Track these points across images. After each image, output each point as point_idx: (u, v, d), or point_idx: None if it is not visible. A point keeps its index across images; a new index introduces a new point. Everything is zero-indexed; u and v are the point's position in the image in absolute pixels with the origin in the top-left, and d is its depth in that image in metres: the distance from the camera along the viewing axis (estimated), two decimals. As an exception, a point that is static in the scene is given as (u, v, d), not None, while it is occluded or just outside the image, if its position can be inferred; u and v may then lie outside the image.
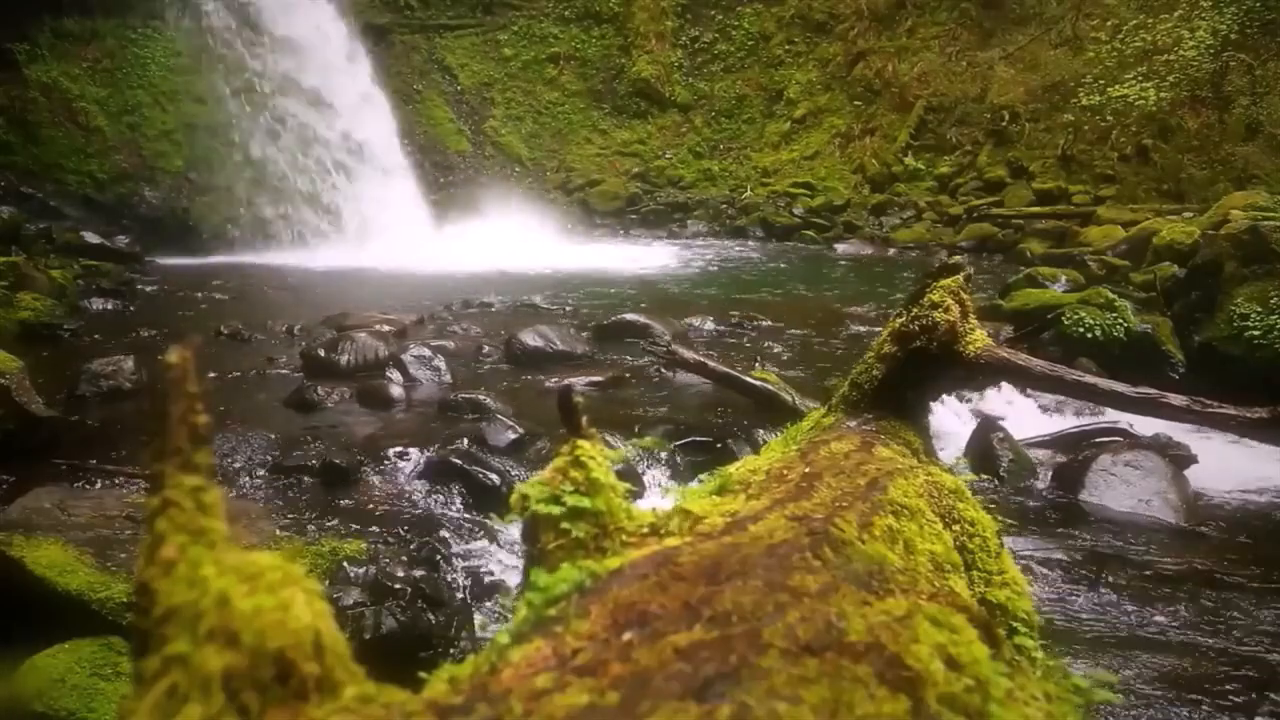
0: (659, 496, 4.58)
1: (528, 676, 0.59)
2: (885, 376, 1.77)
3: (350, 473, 4.52)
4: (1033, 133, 16.71)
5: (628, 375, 6.49)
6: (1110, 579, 4.14)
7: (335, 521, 4.07)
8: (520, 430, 5.03)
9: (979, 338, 1.79)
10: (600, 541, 0.87)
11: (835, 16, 19.89)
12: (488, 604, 3.70)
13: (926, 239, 15.62)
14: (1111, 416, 5.60)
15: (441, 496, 4.47)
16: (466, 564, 3.92)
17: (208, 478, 0.58)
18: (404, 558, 3.70)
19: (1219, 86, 14.74)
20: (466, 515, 4.35)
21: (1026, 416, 5.97)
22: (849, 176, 18.01)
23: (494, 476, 4.52)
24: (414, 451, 4.79)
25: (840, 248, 15.80)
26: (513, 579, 3.85)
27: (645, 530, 0.91)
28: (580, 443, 0.92)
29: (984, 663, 0.68)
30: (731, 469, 1.32)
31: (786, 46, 20.20)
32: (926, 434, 1.80)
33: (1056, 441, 5.75)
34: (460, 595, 3.70)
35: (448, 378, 6.30)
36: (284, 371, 6.52)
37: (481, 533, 4.18)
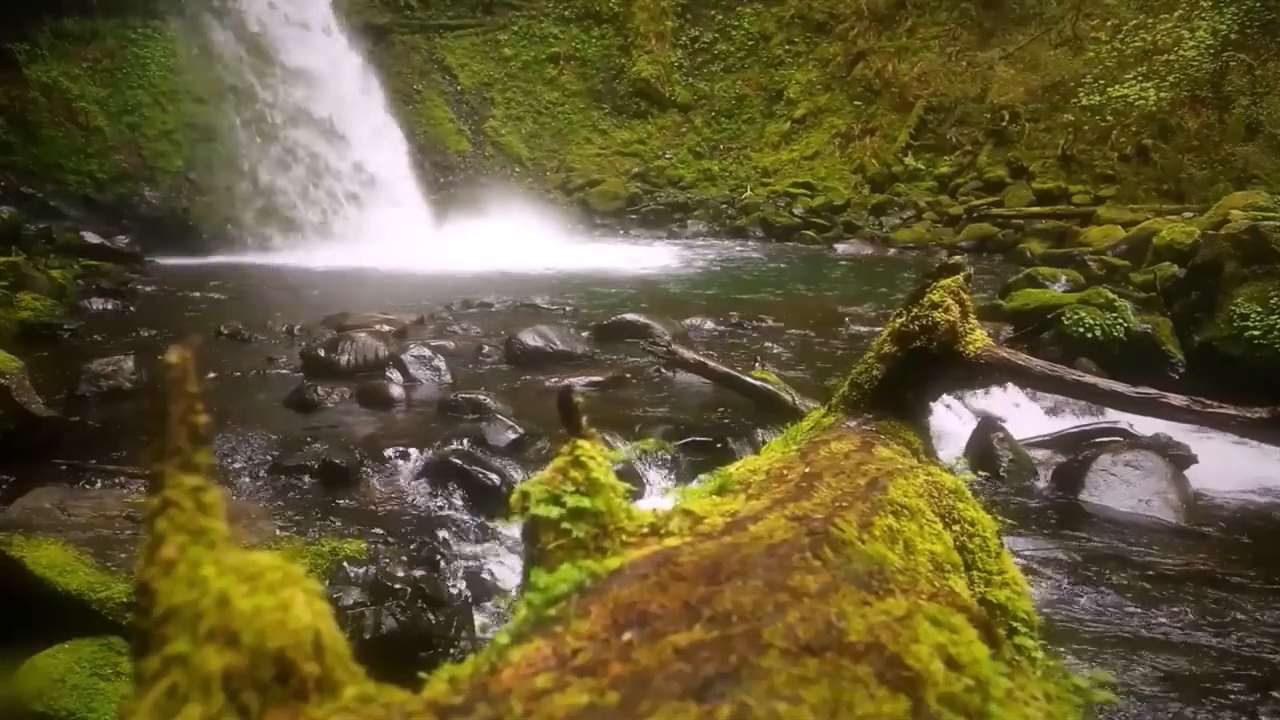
0: (659, 496, 4.58)
1: (528, 676, 0.59)
2: (885, 376, 1.77)
3: (350, 473, 4.52)
4: (1033, 133, 16.71)
5: (628, 375, 6.49)
6: (1110, 579, 4.14)
7: (335, 521, 4.07)
8: (520, 430, 5.03)
9: (979, 338, 1.79)
10: (600, 541, 0.87)
11: (835, 16, 19.89)
12: (488, 604, 3.70)
13: (926, 239, 15.62)
14: (1111, 416, 5.60)
15: (441, 496, 4.47)
16: (466, 564, 3.92)
17: (208, 478, 0.58)
18: (404, 558, 3.70)
19: (1219, 86, 14.75)
20: (466, 515, 4.35)
21: (1026, 416, 5.97)
22: (849, 176, 18.01)
23: (494, 476, 4.52)
24: (414, 451, 4.79)
25: (840, 248, 15.80)
26: (513, 579, 3.85)
27: (645, 530, 0.91)
28: (580, 443, 0.92)
29: (984, 663, 0.68)
30: (731, 469, 1.32)
31: (786, 46, 20.21)
32: (926, 434, 1.80)
33: (1056, 441, 5.75)
34: (460, 595, 3.70)
35: (448, 378, 6.30)
36: (284, 371, 6.52)
37: (481, 533, 4.18)
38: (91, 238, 11.38)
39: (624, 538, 0.88)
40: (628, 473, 4.53)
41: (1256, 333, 6.44)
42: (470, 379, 6.38)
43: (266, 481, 4.50)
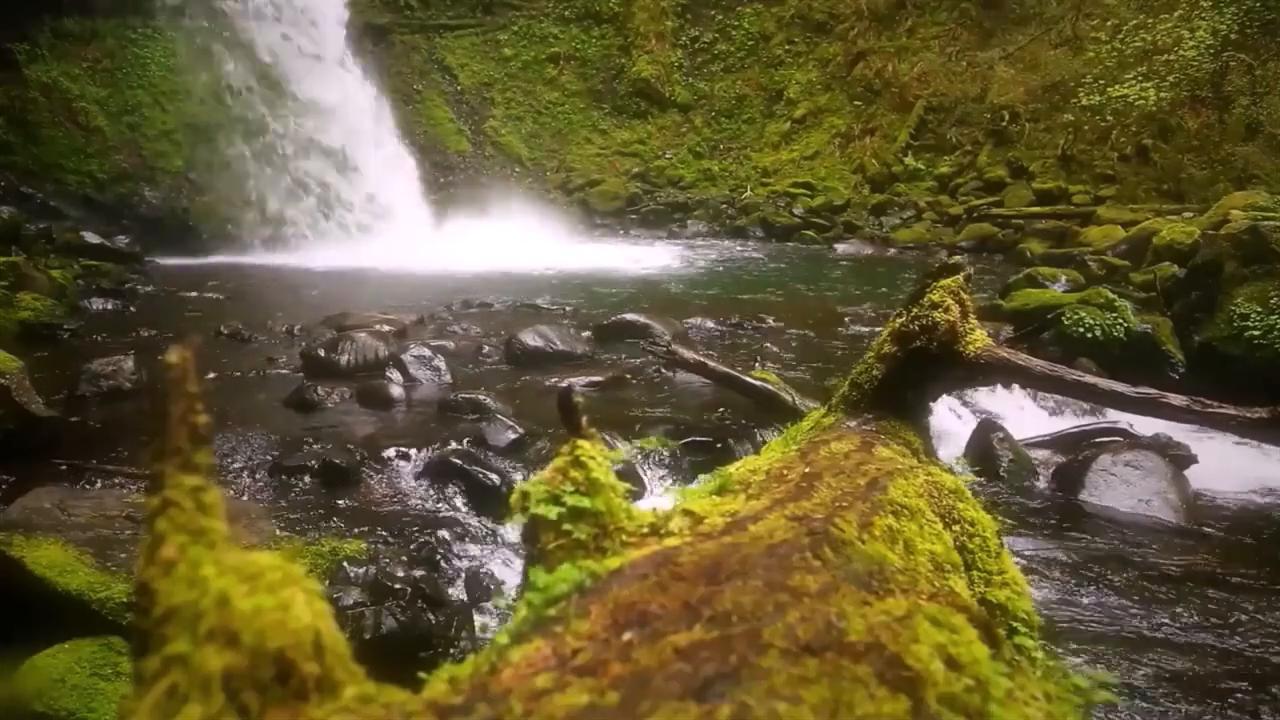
0: (659, 496, 4.58)
1: (528, 676, 0.59)
2: (885, 376, 1.77)
3: (350, 473, 4.52)
4: (1033, 133, 16.71)
5: (628, 375, 6.49)
6: (1110, 579, 4.14)
7: (335, 521, 4.07)
8: (520, 430, 5.03)
9: (979, 338, 1.79)
10: (600, 541, 0.87)
11: (835, 16, 19.89)
12: (488, 604, 3.70)
13: (926, 239, 15.62)
14: (1111, 416, 5.60)
15: (441, 496, 4.47)
16: (466, 564, 3.92)
17: (208, 478, 0.58)
18: (404, 558, 3.70)
19: (1219, 86, 14.75)
20: (466, 515, 4.35)
21: (1026, 416, 5.97)
22: (849, 176, 18.01)
23: (494, 476, 4.53)
24: (414, 451, 4.79)
25: (840, 248, 15.80)
26: (513, 579, 3.85)
27: (645, 530, 0.91)
28: (580, 443, 0.92)
29: (984, 663, 0.68)
30: (731, 469, 1.32)
31: (786, 46, 20.21)
32: (926, 434, 1.80)
33: (1056, 441, 5.75)
34: (460, 595, 3.70)
35: (448, 378, 6.30)
36: (284, 371, 6.52)
37: (481, 533, 4.18)
38: (91, 238, 11.38)
39: (624, 538, 0.88)
40: (628, 473, 4.53)
41: (1256, 333, 6.44)
42: (470, 379, 6.38)
43: (266, 481, 4.50)
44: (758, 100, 20.13)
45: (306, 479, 4.49)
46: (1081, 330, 6.84)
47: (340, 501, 4.33)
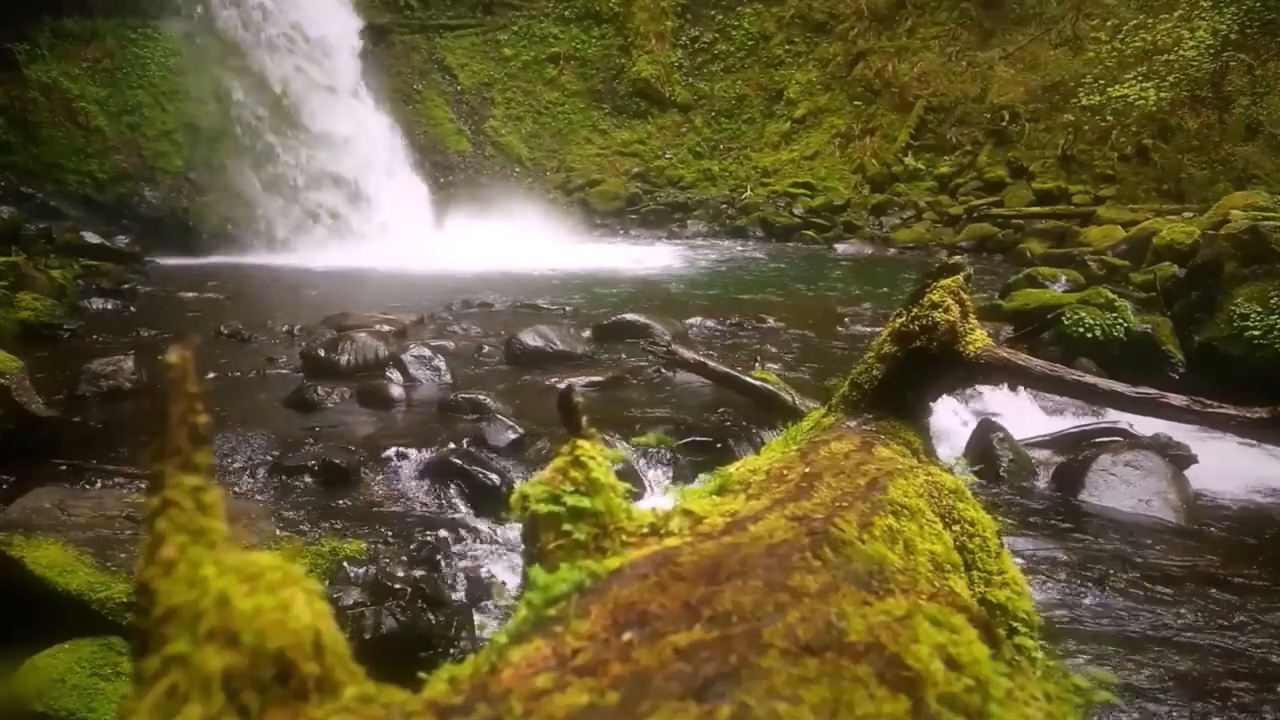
0: (659, 496, 4.58)
1: (528, 676, 0.59)
2: (885, 376, 1.77)
3: (350, 473, 4.52)
4: (1033, 133, 16.71)
5: (628, 375, 6.49)
6: (1110, 579, 4.14)
7: (335, 521, 4.07)
8: (520, 430, 5.03)
9: (979, 338, 1.79)
10: (600, 541, 0.87)
11: (835, 16, 19.89)
12: (488, 604, 3.70)
13: (926, 239, 15.62)
14: (1111, 416, 5.60)
15: (441, 496, 4.47)
16: (466, 564, 3.92)
17: (208, 478, 0.58)
18: (404, 558, 3.70)
19: (1219, 86, 14.75)
20: (466, 515, 4.35)
21: (1026, 416, 5.97)
22: (849, 176, 18.01)
23: (494, 476, 4.52)
24: (414, 451, 4.79)
25: (840, 248, 15.80)
26: (513, 579, 3.85)
27: (645, 530, 0.91)
28: (580, 443, 0.92)
29: (984, 663, 0.68)
30: (731, 469, 1.32)
31: (786, 46, 20.21)
32: (926, 434, 1.80)
33: (1056, 441, 5.75)
34: (460, 595, 3.70)
35: (448, 378, 6.30)
36: (284, 371, 6.52)
37: (481, 533, 4.18)
38: (91, 238, 11.38)
39: (624, 538, 0.88)
40: (628, 473, 4.53)
41: (1256, 333, 6.44)
42: (470, 379, 6.38)
43: (266, 481, 4.50)
44: (758, 100, 20.14)
45: (306, 479, 4.49)
46: (1081, 330, 6.84)
47: (340, 501, 4.33)
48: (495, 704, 0.56)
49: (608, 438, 4.18)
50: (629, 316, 7.93)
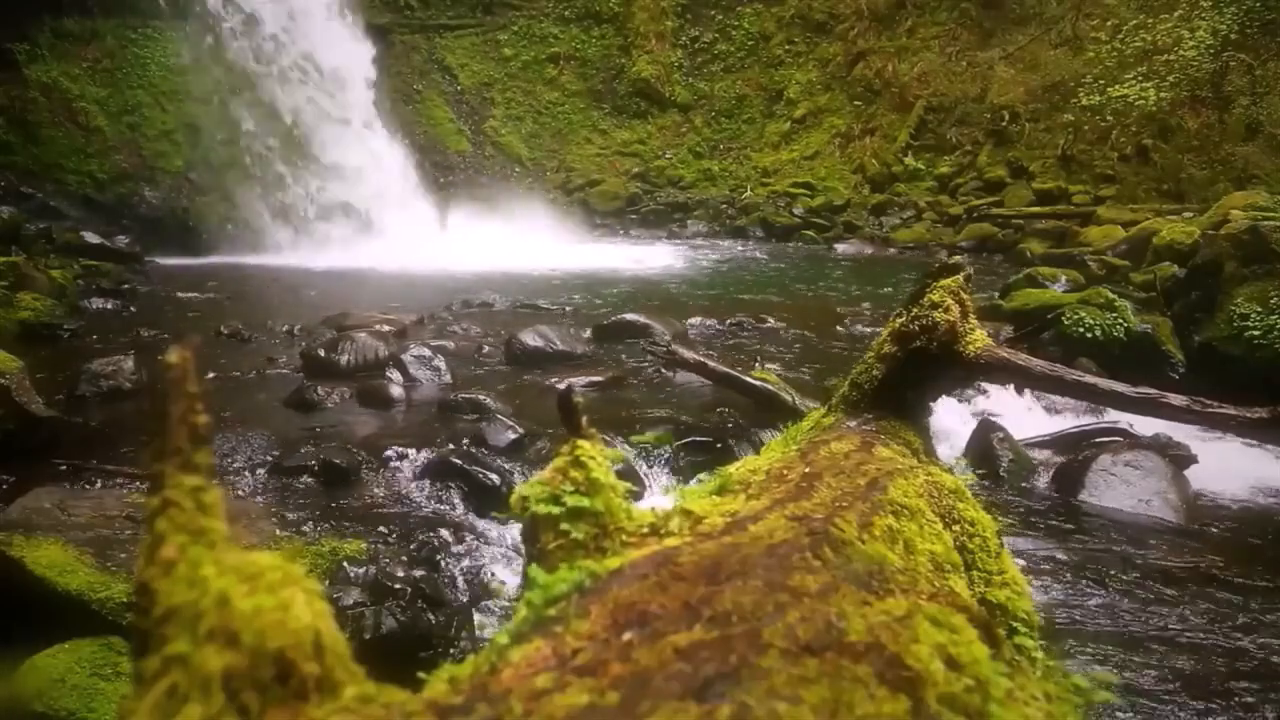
0: (659, 496, 4.58)
1: (528, 676, 0.59)
2: (885, 376, 1.77)
3: (350, 473, 4.52)
4: (1033, 133, 16.72)
5: (628, 375, 6.49)
6: (1110, 579, 4.14)
7: (335, 521, 4.07)
8: (520, 430, 5.03)
9: (979, 338, 1.79)
10: (600, 541, 0.87)
11: (835, 16, 19.90)
12: (488, 604, 3.70)
13: (926, 239, 15.62)
14: (1111, 416, 5.60)
15: (441, 496, 4.47)
16: (466, 564, 3.92)
17: (208, 478, 0.58)
18: (404, 558, 3.70)
19: (1219, 86, 14.75)
20: (466, 515, 4.35)
21: (1026, 416, 5.97)
22: (849, 176, 18.02)
23: (494, 476, 4.52)
24: (414, 451, 4.79)
25: (840, 248, 15.81)
26: (513, 579, 3.85)
27: (645, 530, 0.91)
28: (580, 443, 0.92)
29: (984, 663, 0.68)
30: (731, 469, 1.32)
31: (786, 46, 20.21)
32: (926, 434, 1.80)
33: (1056, 441, 5.74)
34: (460, 595, 3.70)
35: (448, 378, 6.30)
36: (284, 371, 6.52)
37: (481, 533, 4.18)
38: (91, 238, 11.38)
39: (624, 538, 0.88)
40: (628, 473, 4.53)
41: (1256, 333, 6.44)
42: (470, 379, 6.38)
43: (266, 481, 4.50)
44: (758, 100, 20.14)
45: (306, 479, 4.49)
46: (1081, 330, 6.84)
47: (340, 501, 4.32)
48: (495, 704, 0.56)
49: (607, 438, 4.18)
50: (629, 316, 7.93)
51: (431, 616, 3.42)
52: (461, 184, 18.05)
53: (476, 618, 3.60)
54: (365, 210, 14.50)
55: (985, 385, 5.56)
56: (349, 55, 15.26)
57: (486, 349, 7.25)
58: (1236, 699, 3.27)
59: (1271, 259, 6.62)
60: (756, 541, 0.84)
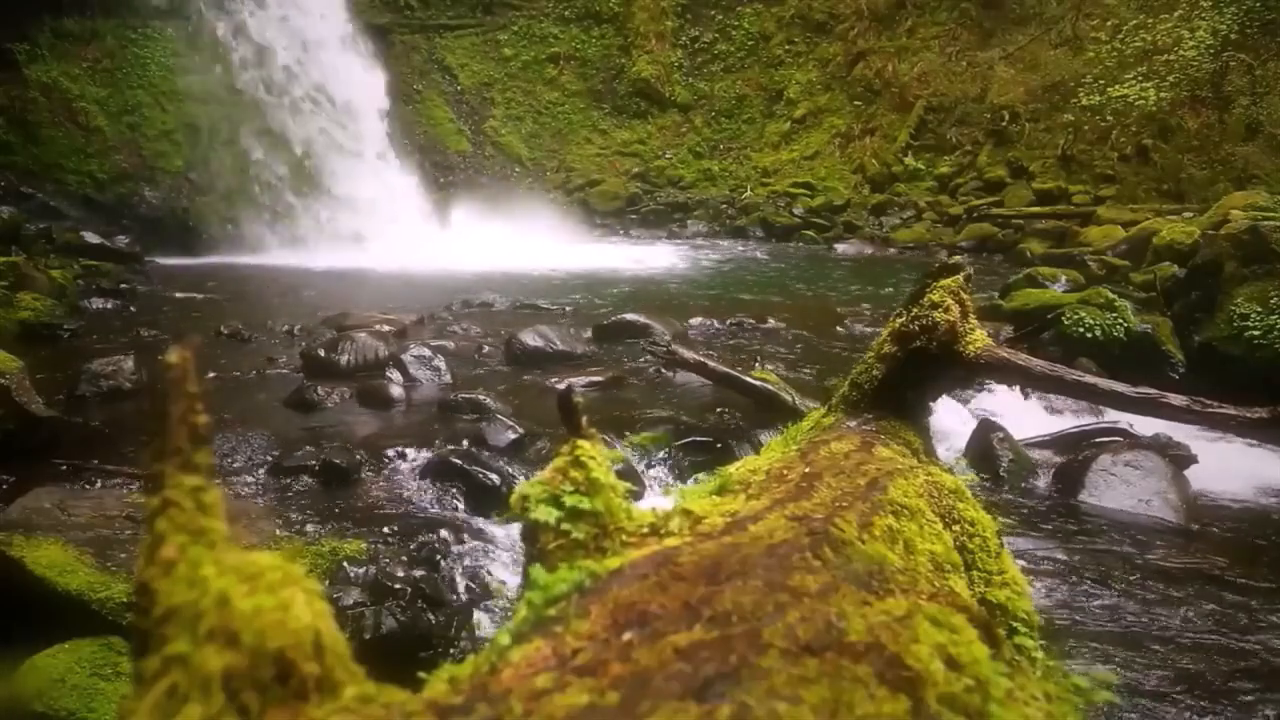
0: (659, 496, 4.58)
1: (528, 676, 0.59)
2: (885, 376, 1.77)
3: (350, 473, 4.52)
4: (1033, 133, 16.72)
5: (628, 375, 6.49)
6: (1110, 579, 4.14)
7: (335, 521, 4.07)
8: (520, 430, 5.03)
9: (979, 338, 1.79)
10: (600, 541, 0.87)
11: (835, 16, 19.90)
12: (488, 604, 3.70)
13: (926, 239, 15.63)
14: (1111, 416, 5.60)
15: (441, 496, 4.47)
16: (466, 564, 3.92)
17: (208, 478, 0.58)
18: (404, 558, 3.70)
19: (1219, 86, 14.75)
20: (466, 515, 4.35)
21: (1026, 416, 5.97)
22: (849, 176, 18.02)
23: (494, 476, 4.52)
24: (414, 451, 4.79)
25: (840, 248, 15.81)
26: (513, 579, 3.85)
27: (645, 530, 0.91)
28: (580, 443, 0.92)
29: (984, 663, 0.68)
30: (731, 469, 1.32)
31: (786, 46, 20.21)
32: (926, 434, 1.80)
33: (1056, 441, 5.74)
34: (460, 595, 3.70)
35: (448, 378, 6.30)
36: (284, 371, 6.52)
37: (481, 533, 4.18)
38: (91, 238, 11.37)
39: (624, 538, 0.88)
40: (628, 473, 4.53)
41: (1256, 333, 6.44)
42: (470, 379, 6.38)
43: (266, 481, 4.50)
44: (758, 100, 20.14)
45: (306, 479, 4.49)
46: (1081, 330, 6.84)
47: (340, 501, 4.32)
48: (495, 704, 0.56)
49: (607, 438, 4.18)
50: (629, 316, 7.93)
51: (431, 616, 3.42)
52: (461, 184, 18.05)
53: (476, 618, 3.60)
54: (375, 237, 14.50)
55: (985, 385, 5.56)
56: (362, 86, 15.25)
57: (486, 349, 7.25)
58: (1237, 699, 3.26)
59: (1271, 259, 6.62)
60: (756, 541, 0.84)
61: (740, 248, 15.92)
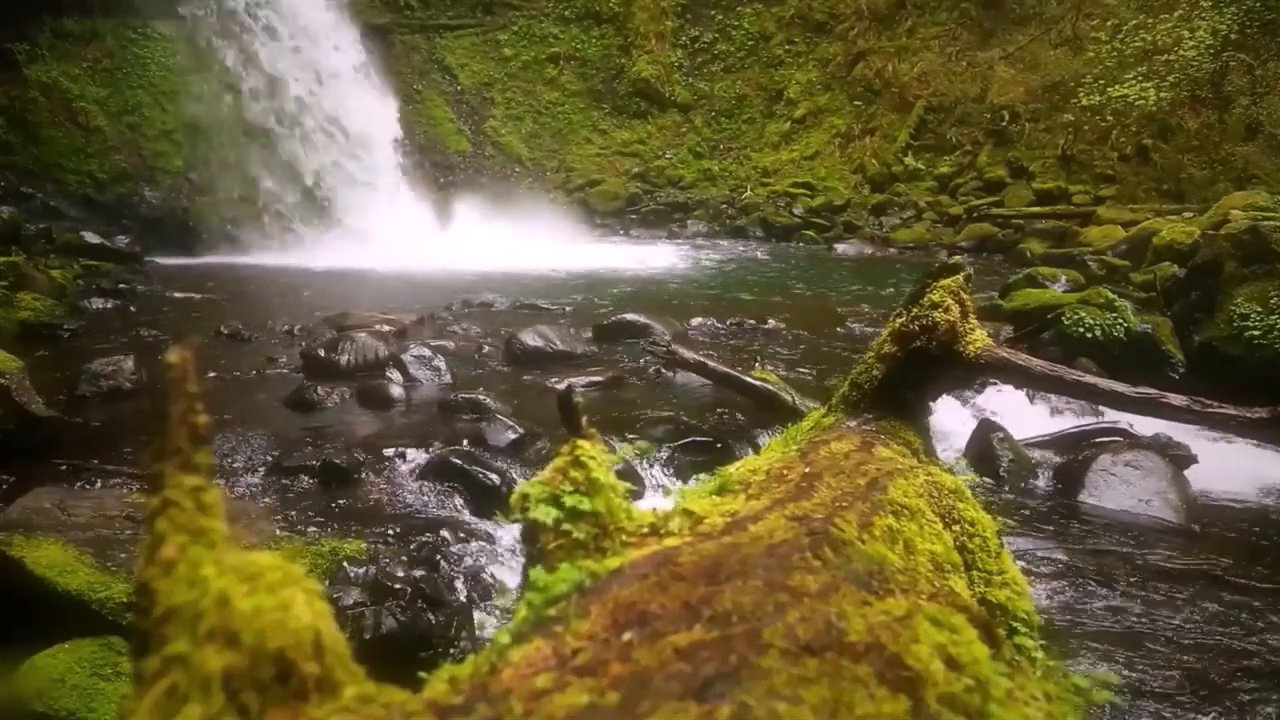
0: (659, 496, 4.58)
1: (528, 676, 0.59)
2: (885, 376, 1.77)
3: (350, 473, 4.52)
4: (1033, 133, 16.71)
5: (628, 375, 6.49)
6: (1110, 579, 4.14)
7: (335, 521, 4.07)
8: (520, 430, 5.03)
9: (979, 338, 1.79)
10: (600, 541, 0.87)
11: (835, 16, 19.90)
12: (488, 604, 3.70)
13: (926, 239, 15.63)
14: (1111, 416, 5.60)
15: (441, 496, 4.47)
16: (466, 564, 3.92)
17: (208, 478, 0.58)
18: (404, 558, 3.70)
19: (1219, 86, 14.75)
20: (466, 515, 4.35)
21: (1026, 416, 5.97)
22: (849, 176, 18.02)
23: (494, 476, 4.52)
24: (414, 451, 4.79)
25: (840, 248, 15.81)
26: (513, 579, 3.85)
27: (645, 530, 0.91)
28: (580, 443, 0.92)
29: (984, 663, 0.68)
30: (731, 469, 1.32)
31: (786, 46, 20.21)
32: (926, 434, 1.80)
33: (1056, 441, 5.75)
34: (460, 595, 3.70)
35: (448, 378, 6.30)
36: (284, 371, 6.52)
37: (481, 533, 4.18)
38: (91, 238, 11.36)
39: (624, 538, 0.88)
40: (628, 473, 4.53)
41: (1256, 333, 6.44)
42: (470, 379, 6.38)
43: (266, 481, 4.50)
44: (758, 100, 20.14)
45: (306, 479, 4.49)
46: (1081, 330, 6.84)
47: (340, 501, 4.32)
48: (495, 704, 0.56)
49: (608, 439, 4.17)
50: (629, 316, 7.93)
51: (431, 616, 3.42)
52: (461, 184, 18.05)
53: (476, 618, 3.60)
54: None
55: (985, 385, 5.56)
56: (376, 116, 15.24)
57: (486, 349, 7.25)
58: (1237, 699, 3.26)
59: (1271, 259, 6.62)
60: (756, 541, 0.84)
61: (740, 248, 15.92)
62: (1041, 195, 15.53)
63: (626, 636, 0.63)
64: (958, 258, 11.15)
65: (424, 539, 3.97)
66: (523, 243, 13.78)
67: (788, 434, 1.70)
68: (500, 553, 4.04)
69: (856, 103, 19.00)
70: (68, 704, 2.83)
